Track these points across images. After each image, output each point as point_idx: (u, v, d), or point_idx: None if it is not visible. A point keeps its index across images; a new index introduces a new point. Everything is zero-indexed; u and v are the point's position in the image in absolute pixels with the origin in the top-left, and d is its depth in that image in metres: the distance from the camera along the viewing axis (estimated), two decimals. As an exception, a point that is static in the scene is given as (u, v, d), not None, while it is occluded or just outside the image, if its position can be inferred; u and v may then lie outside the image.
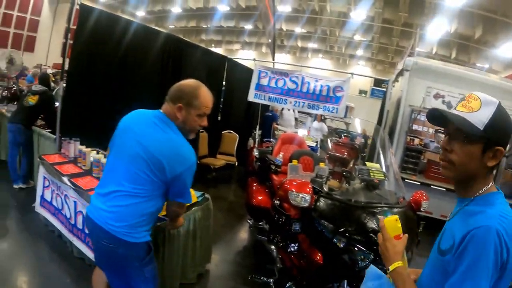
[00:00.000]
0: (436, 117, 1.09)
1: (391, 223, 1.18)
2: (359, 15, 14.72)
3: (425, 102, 5.38)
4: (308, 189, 2.34)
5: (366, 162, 2.76)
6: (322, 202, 2.37)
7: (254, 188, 3.87)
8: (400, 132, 5.59)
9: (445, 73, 5.53)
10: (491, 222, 0.94)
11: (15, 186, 4.53)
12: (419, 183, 5.44)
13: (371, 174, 2.56)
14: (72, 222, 2.99)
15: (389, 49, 18.05)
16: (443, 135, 1.09)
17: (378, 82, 18.73)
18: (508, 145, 1.01)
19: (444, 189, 5.44)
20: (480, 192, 1.04)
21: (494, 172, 1.08)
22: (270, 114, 8.03)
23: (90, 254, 2.79)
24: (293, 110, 8.63)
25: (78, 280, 2.84)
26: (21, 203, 4.16)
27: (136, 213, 1.71)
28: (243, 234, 4.22)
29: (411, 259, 2.24)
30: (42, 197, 3.47)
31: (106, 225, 1.68)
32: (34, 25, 19.67)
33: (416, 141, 6.65)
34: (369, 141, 7.42)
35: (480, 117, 0.99)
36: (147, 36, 4.62)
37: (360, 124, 7.58)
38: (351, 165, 3.01)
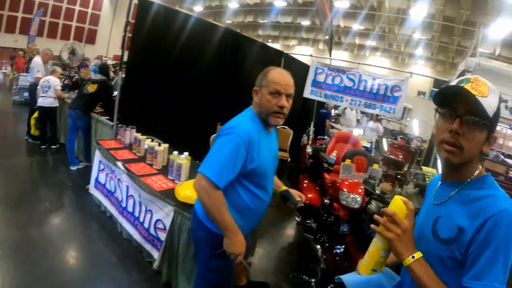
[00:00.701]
0: (451, 94, 1.00)
1: (398, 205, 1.01)
2: (419, 12, 14.04)
3: (486, 106, 4.99)
4: (360, 190, 2.24)
5: (422, 167, 2.59)
6: (373, 205, 2.25)
7: (305, 185, 3.82)
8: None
9: (510, 76, 5.09)
10: (509, 205, 0.91)
11: (72, 168, 4.84)
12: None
13: (427, 179, 2.42)
14: (123, 205, 3.12)
15: (450, 49, 17.06)
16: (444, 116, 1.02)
17: (438, 83, 17.89)
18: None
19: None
20: (474, 175, 1.01)
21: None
22: (324, 111, 7.89)
23: (138, 237, 2.92)
24: (356, 111, 8.40)
25: (123, 260, 2.97)
26: (76, 184, 4.41)
27: None
28: (290, 231, 4.18)
29: None
30: (96, 179, 3.67)
31: (196, 204, 1.84)
32: (95, 19, 21.00)
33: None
34: (423, 144, 7.08)
35: (490, 104, 0.96)
36: (204, 30, 4.68)
37: (418, 126, 7.23)
38: (406, 169, 2.85)
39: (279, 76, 1.72)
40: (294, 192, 1.94)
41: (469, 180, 1.01)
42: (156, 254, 2.68)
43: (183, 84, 4.45)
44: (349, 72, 5.66)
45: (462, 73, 5.49)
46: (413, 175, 2.48)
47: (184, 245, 2.43)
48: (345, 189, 2.25)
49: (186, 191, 2.55)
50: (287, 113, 1.75)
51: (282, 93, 1.69)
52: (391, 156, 3.22)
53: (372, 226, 1.04)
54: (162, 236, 2.59)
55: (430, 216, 1.07)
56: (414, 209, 1.02)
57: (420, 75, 7.00)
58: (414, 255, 0.96)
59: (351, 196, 2.23)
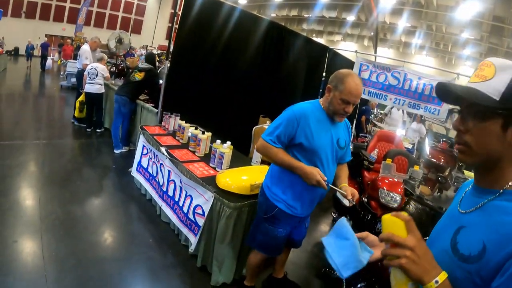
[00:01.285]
0: (444, 93, 0.88)
1: (391, 222, 0.79)
2: (468, 10, 13.42)
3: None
4: (399, 190, 2.22)
5: (464, 171, 2.51)
6: (412, 206, 2.23)
7: (344, 182, 3.80)
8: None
9: None
10: None
11: (115, 151, 5.08)
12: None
13: (469, 184, 2.33)
14: (164, 189, 3.24)
15: (499, 51, 16.07)
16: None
17: None
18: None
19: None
20: (511, 183, 0.79)
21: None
22: (364, 108, 7.79)
23: (176, 220, 3.02)
24: (402, 111, 8.21)
25: (160, 241, 3.07)
26: (119, 167, 4.62)
27: (270, 172, 2.16)
28: (325, 227, 4.17)
29: None
30: (139, 163, 3.83)
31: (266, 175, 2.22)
32: (141, 9, 21.73)
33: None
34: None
35: (495, 85, 0.77)
36: (249, 22, 4.73)
37: None
38: (447, 173, 2.77)
39: (355, 88, 1.90)
40: (348, 190, 1.99)
41: (505, 188, 0.79)
42: (193, 239, 2.75)
43: (227, 75, 4.53)
44: (394, 70, 5.53)
45: None
46: (454, 179, 2.40)
47: (221, 231, 2.49)
48: (384, 187, 2.24)
49: (227, 179, 2.62)
50: None
51: (351, 103, 1.92)
52: (432, 159, 3.12)
53: (384, 261, 0.81)
54: (200, 221, 2.67)
55: (453, 225, 0.87)
56: (411, 217, 0.80)
57: (467, 76, 6.64)
58: (437, 279, 0.74)
59: (391, 194, 2.22)
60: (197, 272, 2.73)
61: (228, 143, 3.11)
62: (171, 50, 4.38)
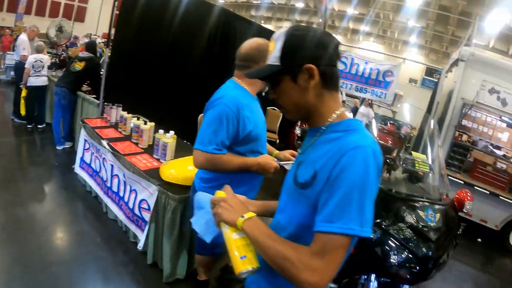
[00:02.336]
0: (259, 77, 1.02)
1: (217, 194, 1.04)
2: (415, -1, 13.83)
3: (479, 96, 4.99)
4: None
5: (412, 152, 2.53)
6: None
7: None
8: (449, 126, 5.25)
9: (503, 68, 5.09)
10: (366, 142, 0.84)
11: (58, 147, 4.75)
12: (462, 182, 5.12)
13: (416, 165, 2.37)
14: (108, 184, 3.06)
15: (444, 38, 17.02)
16: None
17: (430, 72, 18.05)
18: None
19: (488, 192, 5.09)
20: (330, 120, 0.96)
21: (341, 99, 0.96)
22: None
23: (123, 217, 2.87)
24: (341, 93, 8.35)
25: (108, 240, 2.94)
26: (63, 164, 4.34)
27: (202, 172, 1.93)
28: None
29: (447, 261, 2.05)
30: (81, 159, 3.60)
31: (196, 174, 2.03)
32: (84, -4, 20.41)
33: (465, 137, 6.27)
34: (413, 131, 7.10)
35: (274, 54, 0.95)
36: (196, 8, 4.52)
37: (409, 112, 7.22)
38: (394, 154, 2.80)
39: None
40: (286, 154, 1.93)
41: (327, 124, 0.96)
42: (140, 235, 2.65)
43: (171, 62, 4.35)
44: (341, 55, 5.62)
45: (455, 62, 5.48)
46: (403, 160, 2.43)
47: (168, 226, 2.39)
48: None
49: (171, 170, 2.51)
50: None
51: None
52: (380, 141, 3.15)
53: (216, 224, 1.02)
54: (147, 216, 2.56)
55: (295, 164, 1.03)
56: (227, 185, 1.06)
57: (413, 61, 6.97)
58: (244, 215, 0.93)
59: None
60: (148, 269, 2.66)
61: (172, 132, 2.96)
62: (112, 37, 4.13)
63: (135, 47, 4.01)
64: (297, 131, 4.78)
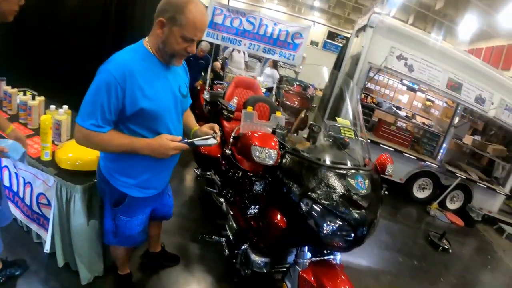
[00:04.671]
0: None
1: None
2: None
3: (387, 61, 5.29)
4: (273, 144, 1.99)
5: (336, 118, 2.48)
6: (288, 159, 2.09)
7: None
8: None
9: (410, 36, 5.46)
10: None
11: None
12: (369, 141, 5.52)
13: (342, 131, 2.34)
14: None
15: (347, 5, 17.93)
16: None
17: (332, 36, 18.79)
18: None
19: (393, 150, 5.57)
20: None
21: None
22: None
23: (20, 216, 2.44)
24: (243, 53, 8.14)
25: (12, 243, 2.43)
26: None
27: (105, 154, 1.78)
28: (189, 184, 3.93)
29: (377, 224, 2.10)
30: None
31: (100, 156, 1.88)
32: None
33: (369, 99, 6.73)
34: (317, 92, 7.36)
35: None
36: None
37: (312, 74, 7.39)
38: (303, 116, 2.74)
39: (201, 19, 1.45)
40: (204, 128, 1.78)
41: None
42: (45, 235, 2.24)
43: (59, 21, 3.65)
44: (249, 15, 5.45)
45: (363, 28, 5.70)
46: (329, 127, 2.37)
47: (74, 220, 2.05)
48: (256, 143, 1.92)
49: (69, 154, 2.09)
50: None
51: (195, 40, 1.49)
52: (287, 102, 3.05)
53: None
54: (48, 212, 2.16)
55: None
56: None
57: (323, 24, 7.08)
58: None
59: (265, 151, 1.95)
60: (62, 272, 2.29)
61: (65, 107, 2.47)
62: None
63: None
64: (206, 95, 4.57)
